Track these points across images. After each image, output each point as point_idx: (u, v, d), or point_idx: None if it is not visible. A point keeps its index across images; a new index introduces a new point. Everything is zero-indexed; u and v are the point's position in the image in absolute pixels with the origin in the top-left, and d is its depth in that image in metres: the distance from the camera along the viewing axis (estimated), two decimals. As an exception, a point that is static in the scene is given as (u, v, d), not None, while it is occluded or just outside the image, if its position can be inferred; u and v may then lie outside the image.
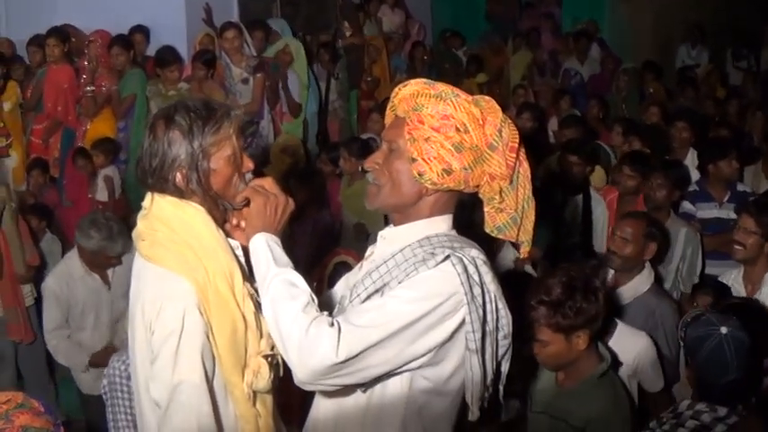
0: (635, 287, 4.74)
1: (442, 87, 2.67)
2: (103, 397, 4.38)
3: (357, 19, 11.29)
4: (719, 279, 5.15)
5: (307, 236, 6.63)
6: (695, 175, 7.04)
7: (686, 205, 6.61)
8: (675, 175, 6.21)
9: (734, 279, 4.96)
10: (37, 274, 6.28)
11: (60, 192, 8.48)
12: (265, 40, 9.40)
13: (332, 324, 2.48)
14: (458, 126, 2.60)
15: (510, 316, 2.73)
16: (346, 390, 2.65)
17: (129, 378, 4.23)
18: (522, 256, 2.96)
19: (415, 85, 2.72)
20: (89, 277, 5.69)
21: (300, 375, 2.50)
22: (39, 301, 6.10)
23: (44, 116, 8.95)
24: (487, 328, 2.63)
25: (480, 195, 2.75)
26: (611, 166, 7.58)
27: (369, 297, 2.65)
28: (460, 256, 2.59)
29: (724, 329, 3.34)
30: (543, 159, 7.09)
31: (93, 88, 8.75)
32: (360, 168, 6.86)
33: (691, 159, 7.45)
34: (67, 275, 5.69)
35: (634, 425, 3.61)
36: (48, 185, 8.50)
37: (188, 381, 2.65)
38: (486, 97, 2.75)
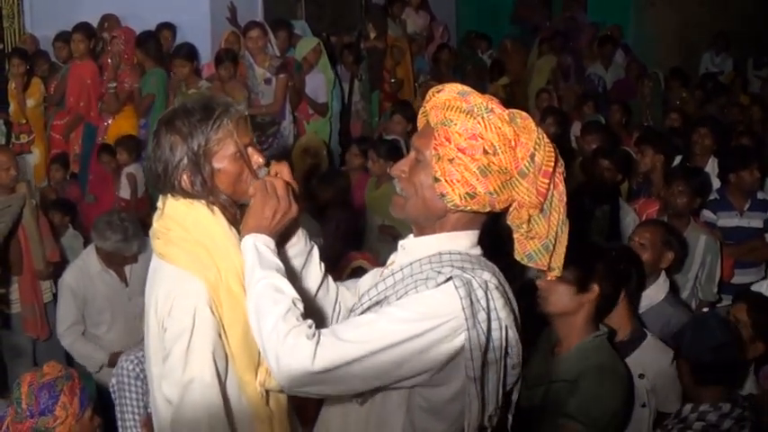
0: (650, 296, 4.66)
1: (475, 101, 2.50)
2: (112, 396, 4.40)
3: (382, 21, 11.30)
4: (755, 288, 5.08)
5: (330, 236, 6.63)
6: (716, 183, 7.02)
7: (707, 214, 6.59)
8: (697, 182, 6.16)
9: (765, 290, 4.88)
10: (57, 271, 6.28)
11: (83, 187, 8.52)
12: (289, 41, 9.41)
13: (312, 335, 2.41)
14: (486, 147, 2.44)
15: (520, 345, 2.59)
16: (348, 399, 2.61)
17: (137, 377, 4.29)
18: (549, 278, 2.79)
19: (448, 93, 2.56)
20: (106, 274, 5.73)
21: (279, 381, 2.47)
22: (57, 297, 6.08)
23: (65, 112, 9.04)
24: (490, 357, 2.49)
25: (508, 222, 2.60)
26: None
27: (369, 308, 2.59)
28: (469, 278, 2.46)
29: (705, 309, 3.41)
30: (569, 164, 7.01)
31: (115, 85, 8.79)
32: (388, 170, 6.85)
33: (711, 167, 7.40)
34: (85, 271, 5.74)
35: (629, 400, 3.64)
36: (69, 181, 8.55)
37: (199, 379, 2.66)
38: (523, 113, 2.55)
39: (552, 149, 2.51)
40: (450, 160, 2.47)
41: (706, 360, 3.44)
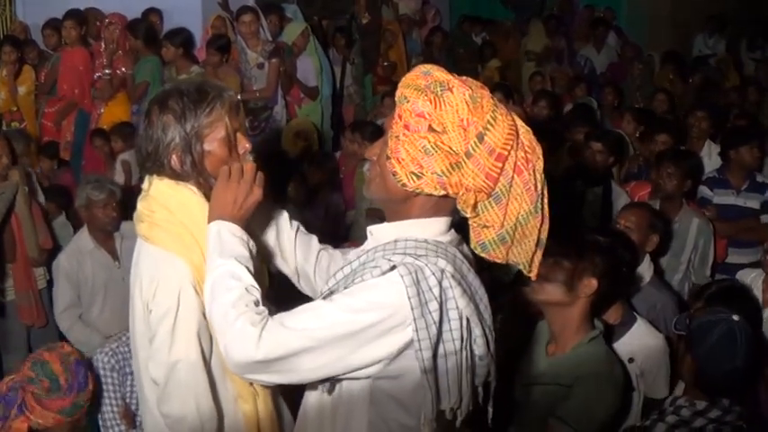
0: (636, 279, 4.58)
1: (435, 78, 2.42)
2: None
3: (375, 4, 11.29)
4: (739, 276, 5.06)
5: (319, 220, 6.62)
6: (710, 165, 7.05)
7: (703, 190, 6.63)
8: (687, 165, 6.11)
9: (753, 279, 4.85)
10: (50, 258, 6.29)
11: (76, 174, 8.50)
12: (280, 25, 9.40)
13: (258, 321, 2.36)
14: (433, 125, 2.36)
15: (488, 335, 2.51)
16: (318, 387, 2.58)
17: (112, 369, 4.36)
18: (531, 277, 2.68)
19: (414, 72, 2.48)
20: (98, 252, 5.74)
21: (229, 367, 2.45)
22: (51, 284, 6.11)
23: (57, 99, 9.02)
24: (448, 348, 2.39)
25: (458, 206, 2.46)
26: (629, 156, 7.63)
27: (325, 298, 2.51)
28: (421, 265, 2.36)
29: (736, 317, 3.29)
30: (558, 148, 7.04)
31: (109, 71, 8.79)
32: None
33: (707, 150, 7.43)
34: (77, 251, 5.76)
35: (625, 397, 3.60)
36: (62, 168, 8.53)
37: (185, 359, 2.72)
38: (486, 94, 2.43)
39: (512, 133, 2.41)
40: (397, 137, 2.40)
41: (717, 376, 3.30)
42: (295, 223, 3.08)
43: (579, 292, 3.46)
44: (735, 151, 6.60)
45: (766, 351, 3.94)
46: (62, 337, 5.90)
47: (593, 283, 3.46)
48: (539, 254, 2.59)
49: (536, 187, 2.47)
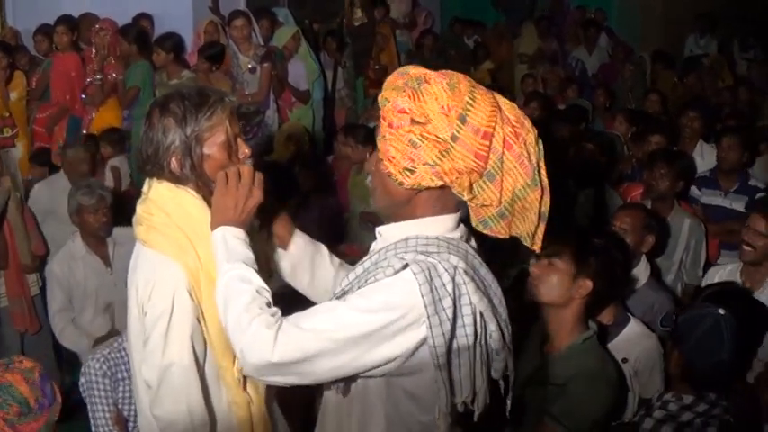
0: (632, 280, 4.60)
1: (411, 74, 2.45)
2: (82, 395, 4.43)
3: (369, 4, 11.29)
4: (712, 273, 5.06)
5: (314, 223, 6.61)
6: (703, 165, 7.04)
7: (692, 189, 6.62)
8: (680, 165, 6.10)
9: (729, 273, 4.84)
10: (42, 264, 6.29)
11: (68, 179, 8.48)
12: (272, 29, 9.40)
13: (273, 323, 2.38)
14: (415, 118, 2.39)
15: (503, 329, 2.53)
16: (333, 388, 2.59)
17: (104, 375, 4.35)
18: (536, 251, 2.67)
19: (392, 75, 2.52)
20: (90, 257, 5.78)
21: (245, 371, 2.48)
22: (44, 290, 6.12)
23: (49, 105, 8.99)
24: (461, 343, 2.41)
25: (454, 192, 2.46)
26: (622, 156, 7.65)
27: (338, 299, 2.53)
28: (434, 262, 2.38)
29: (722, 311, 3.30)
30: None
31: (100, 77, 8.77)
32: (367, 155, 6.84)
33: (699, 150, 7.42)
34: (69, 256, 5.79)
35: (619, 399, 3.62)
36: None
37: (178, 362, 2.73)
38: (463, 78, 2.46)
39: (494, 110, 2.42)
40: (384, 137, 2.44)
41: (704, 369, 3.31)
42: (336, 260, 3.07)
43: (574, 293, 3.48)
44: (718, 148, 6.65)
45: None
46: (56, 343, 5.97)
47: (588, 284, 3.48)
48: (542, 227, 2.59)
49: (530, 160, 2.47)
